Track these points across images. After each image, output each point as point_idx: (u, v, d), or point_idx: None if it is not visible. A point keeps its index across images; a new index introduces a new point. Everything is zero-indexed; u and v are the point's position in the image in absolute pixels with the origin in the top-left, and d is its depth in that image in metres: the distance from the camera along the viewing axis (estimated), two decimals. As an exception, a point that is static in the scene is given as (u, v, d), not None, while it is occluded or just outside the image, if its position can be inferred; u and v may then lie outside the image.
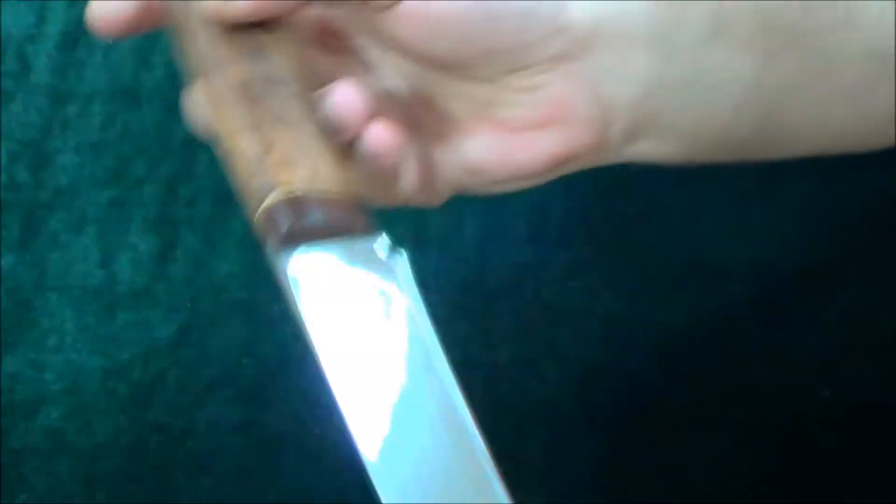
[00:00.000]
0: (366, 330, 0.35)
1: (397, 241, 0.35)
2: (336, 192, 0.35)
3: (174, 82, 0.59)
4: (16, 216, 0.57)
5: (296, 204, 0.34)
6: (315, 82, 0.36)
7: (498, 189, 0.39)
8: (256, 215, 0.35)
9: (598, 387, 0.54)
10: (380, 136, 0.35)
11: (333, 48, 0.39)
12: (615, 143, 0.38)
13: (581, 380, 0.54)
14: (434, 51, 0.36)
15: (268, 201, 0.35)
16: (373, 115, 0.35)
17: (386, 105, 0.37)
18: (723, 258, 0.56)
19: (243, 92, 0.35)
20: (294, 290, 0.34)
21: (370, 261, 0.35)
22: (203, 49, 0.36)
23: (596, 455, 0.54)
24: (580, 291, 0.56)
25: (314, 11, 0.38)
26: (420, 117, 0.38)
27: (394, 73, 0.39)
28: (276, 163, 0.35)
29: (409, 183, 0.37)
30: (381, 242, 0.35)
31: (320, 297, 0.34)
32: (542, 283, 0.56)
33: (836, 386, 0.54)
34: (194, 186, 0.58)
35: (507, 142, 0.37)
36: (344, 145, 0.36)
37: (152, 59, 0.59)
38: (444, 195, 0.39)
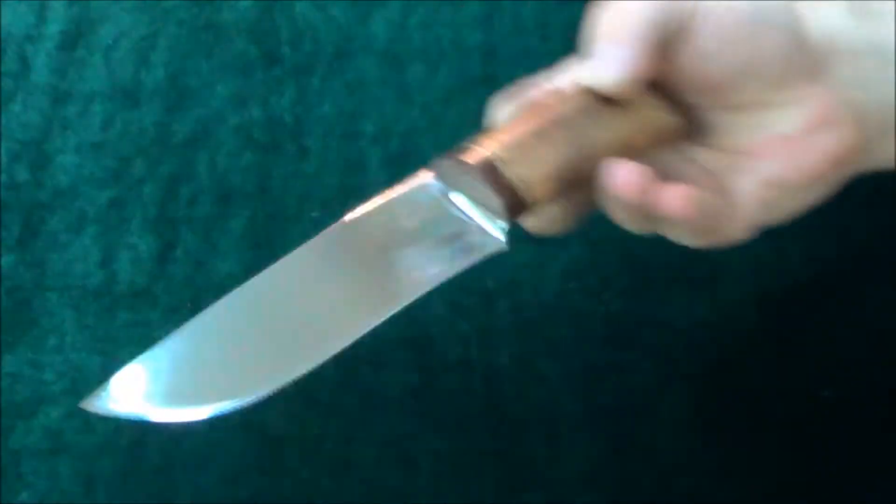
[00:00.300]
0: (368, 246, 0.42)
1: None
2: (510, 182, 0.41)
3: (174, 82, 0.59)
4: (16, 216, 0.57)
5: (461, 153, 0.42)
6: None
7: (798, 203, 0.44)
8: None
9: (598, 386, 0.54)
10: (672, 200, 0.41)
11: None
12: (874, 144, 0.44)
13: (581, 379, 0.54)
14: (720, 68, 0.42)
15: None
16: (649, 188, 0.41)
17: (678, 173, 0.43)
18: (723, 258, 0.56)
19: (544, 115, 0.42)
20: None
21: (459, 227, 0.42)
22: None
23: (596, 454, 0.54)
24: (580, 291, 0.56)
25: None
26: (714, 161, 0.44)
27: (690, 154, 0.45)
28: (491, 137, 0.42)
29: (715, 221, 0.43)
30: (488, 229, 0.42)
31: (391, 200, 0.43)
32: (542, 283, 0.56)
33: (836, 386, 0.54)
34: (194, 186, 0.58)
35: (790, 148, 0.43)
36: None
37: (152, 59, 0.59)
38: (753, 225, 0.44)
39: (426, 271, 0.42)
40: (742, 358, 0.55)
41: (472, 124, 0.58)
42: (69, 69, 0.59)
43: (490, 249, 0.43)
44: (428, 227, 0.43)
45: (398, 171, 0.58)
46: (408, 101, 0.59)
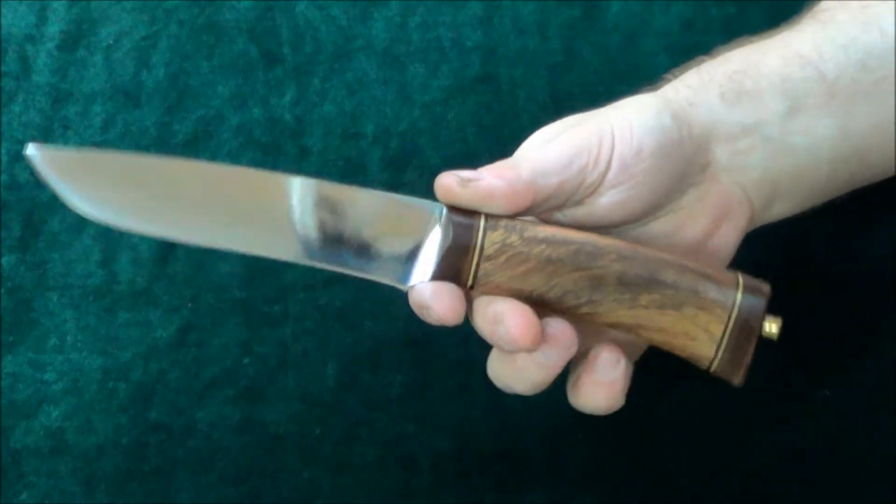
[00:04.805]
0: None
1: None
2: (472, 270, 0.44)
3: (174, 82, 0.59)
4: (16, 216, 0.57)
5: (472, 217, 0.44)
6: None
7: None
8: None
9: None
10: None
11: None
12: (759, 212, 0.48)
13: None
14: (634, 207, 0.45)
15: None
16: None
17: None
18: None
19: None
20: None
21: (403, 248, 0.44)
22: None
23: (595, 454, 0.54)
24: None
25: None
26: None
27: None
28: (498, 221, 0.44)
29: None
30: (411, 270, 0.44)
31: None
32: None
33: (836, 386, 0.54)
34: (194, 186, 0.58)
35: (701, 257, 0.46)
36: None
37: (153, 59, 0.59)
38: None
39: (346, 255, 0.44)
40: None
41: (472, 124, 0.59)
42: (70, 69, 0.59)
43: (393, 284, 0.44)
44: (388, 227, 0.44)
45: (398, 170, 0.58)
46: (408, 101, 0.59)
